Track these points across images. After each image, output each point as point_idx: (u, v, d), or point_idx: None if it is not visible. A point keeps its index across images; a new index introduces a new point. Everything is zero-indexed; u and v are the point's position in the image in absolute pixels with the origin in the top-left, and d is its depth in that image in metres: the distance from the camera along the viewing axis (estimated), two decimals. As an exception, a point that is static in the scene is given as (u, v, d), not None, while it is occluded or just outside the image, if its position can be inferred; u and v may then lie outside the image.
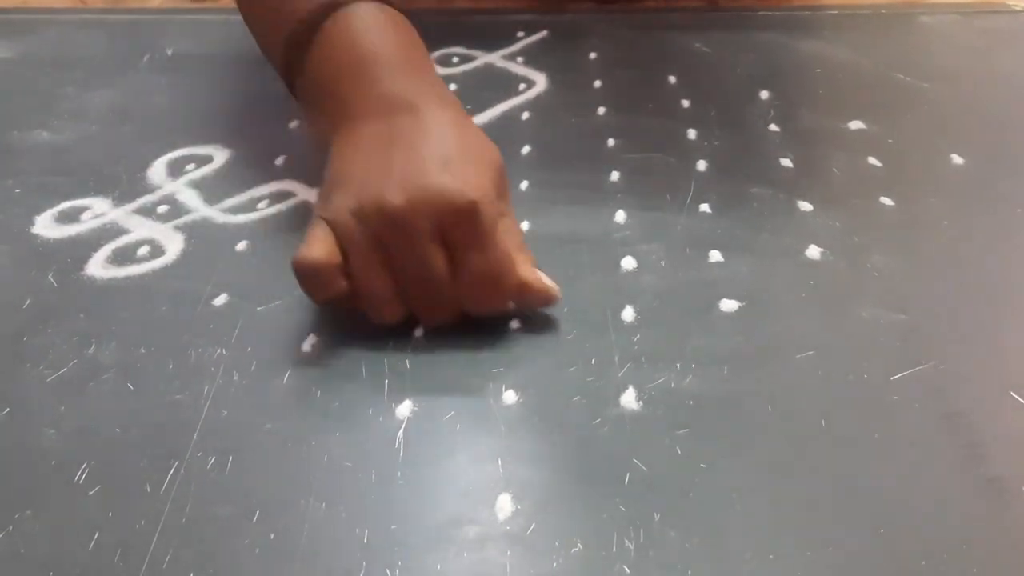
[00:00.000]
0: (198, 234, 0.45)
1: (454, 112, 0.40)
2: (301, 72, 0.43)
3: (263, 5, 0.47)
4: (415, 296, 0.37)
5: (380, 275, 0.36)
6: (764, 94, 0.56)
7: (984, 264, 0.42)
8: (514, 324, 0.39)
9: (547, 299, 0.38)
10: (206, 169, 0.50)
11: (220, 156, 0.51)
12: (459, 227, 0.35)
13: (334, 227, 0.36)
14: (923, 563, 0.29)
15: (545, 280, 0.38)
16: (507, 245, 0.36)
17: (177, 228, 0.45)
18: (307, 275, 0.36)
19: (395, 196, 0.35)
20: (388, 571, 0.29)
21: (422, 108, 0.38)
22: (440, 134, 0.37)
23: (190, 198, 0.48)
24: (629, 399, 0.35)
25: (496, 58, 0.61)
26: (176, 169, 0.50)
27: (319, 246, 0.35)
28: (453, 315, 0.38)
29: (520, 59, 0.61)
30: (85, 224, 0.46)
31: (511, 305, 0.38)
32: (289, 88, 0.45)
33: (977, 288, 0.41)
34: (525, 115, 0.55)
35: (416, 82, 0.40)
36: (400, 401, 0.35)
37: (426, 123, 0.38)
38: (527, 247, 0.39)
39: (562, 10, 0.68)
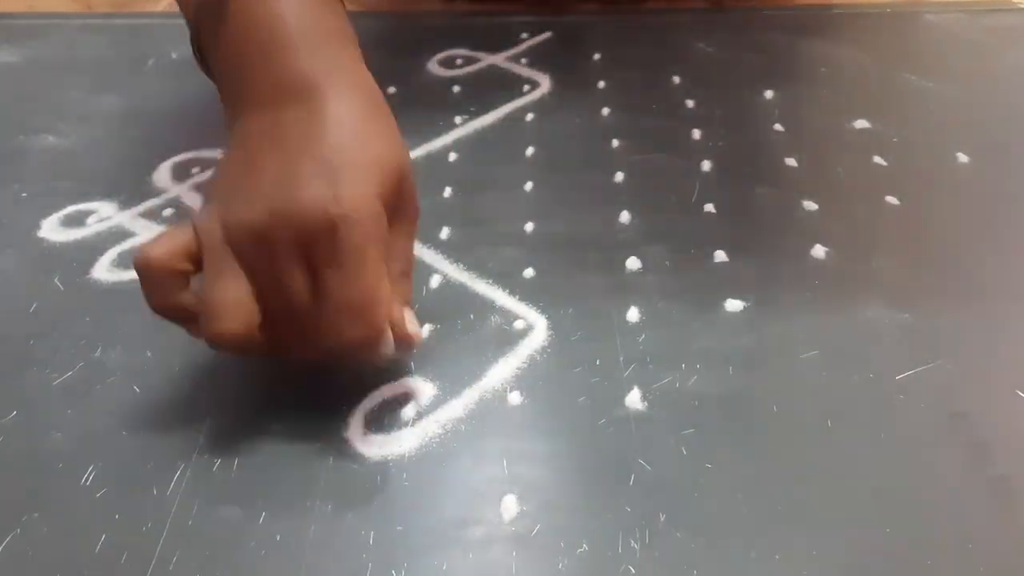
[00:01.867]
0: (203, 237, 0.45)
1: (360, 99, 0.35)
2: (210, 49, 0.38)
3: None
4: (276, 325, 0.32)
5: (231, 284, 0.31)
6: (769, 94, 0.56)
7: (990, 263, 0.42)
8: (519, 324, 0.39)
9: (405, 344, 0.34)
10: (211, 172, 0.50)
11: (225, 159, 0.51)
12: (319, 247, 0.31)
13: (197, 233, 0.32)
14: (929, 562, 0.29)
15: (408, 323, 0.34)
16: (376, 273, 0.31)
17: (183, 231, 0.46)
18: (144, 275, 0.32)
19: (258, 209, 0.31)
20: (394, 572, 0.29)
21: (321, 94, 0.34)
22: (330, 132, 0.33)
23: (195, 201, 0.48)
24: (634, 400, 0.35)
25: (500, 60, 0.61)
26: (181, 173, 0.50)
27: (165, 244, 0.32)
28: (316, 350, 0.33)
29: (524, 60, 0.61)
30: (91, 228, 0.46)
31: (384, 350, 0.33)
32: (201, 65, 0.40)
33: (983, 287, 0.41)
34: (529, 116, 0.55)
35: (323, 59, 0.35)
36: (405, 403, 0.35)
37: (319, 116, 0.33)
38: (408, 279, 0.35)
39: (566, 11, 0.68)
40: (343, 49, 0.36)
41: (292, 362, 0.35)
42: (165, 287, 0.32)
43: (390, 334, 0.32)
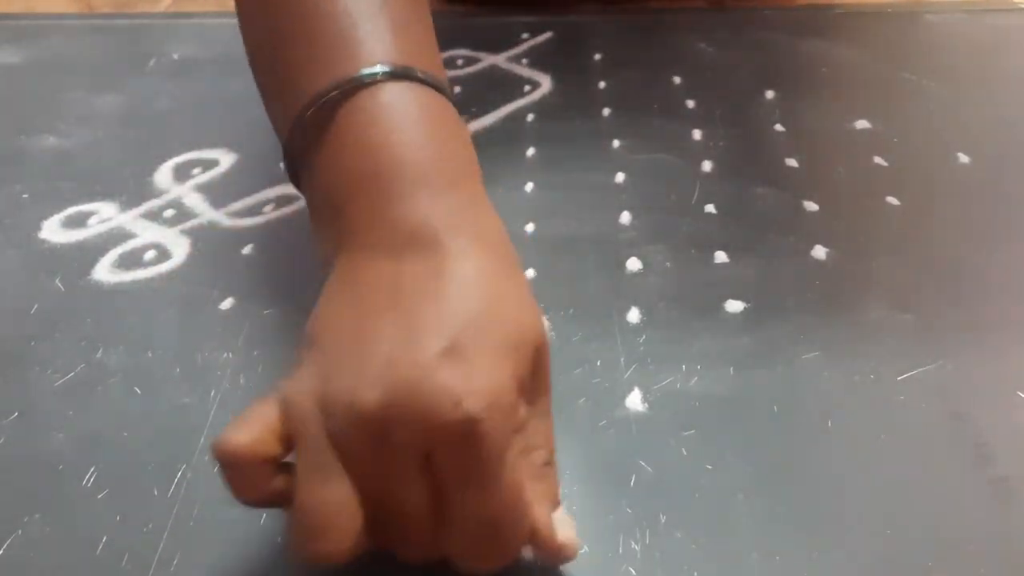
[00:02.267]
0: (204, 238, 0.45)
1: (489, 254, 0.28)
2: (306, 170, 0.33)
3: (269, 72, 0.36)
4: (383, 528, 0.26)
5: (334, 489, 0.25)
6: (769, 94, 0.56)
7: (991, 264, 0.42)
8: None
9: (558, 558, 0.28)
10: (212, 173, 0.50)
11: (226, 160, 0.51)
12: (451, 454, 0.25)
13: (287, 411, 0.26)
14: (930, 564, 0.29)
15: (561, 534, 0.27)
16: (516, 483, 0.26)
17: (183, 232, 0.46)
18: (227, 465, 0.26)
19: (372, 392, 0.25)
20: (396, 572, 0.29)
21: (446, 248, 0.28)
22: (459, 295, 0.27)
23: (196, 202, 0.48)
24: (635, 400, 0.35)
25: (501, 60, 0.61)
26: (182, 173, 0.50)
27: (251, 428, 0.26)
28: (432, 558, 0.27)
29: (525, 61, 0.61)
30: (92, 229, 0.46)
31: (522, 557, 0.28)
32: (293, 182, 0.35)
33: (984, 288, 0.41)
34: (530, 117, 0.55)
35: (448, 204, 0.29)
36: (406, 404, 0.35)
37: (445, 276, 0.27)
38: (552, 470, 0.28)
39: (566, 12, 0.68)
40: (469, 190, 0.31)
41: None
42: (253, 479, 0.26)
43: (572, 541, 0.28)
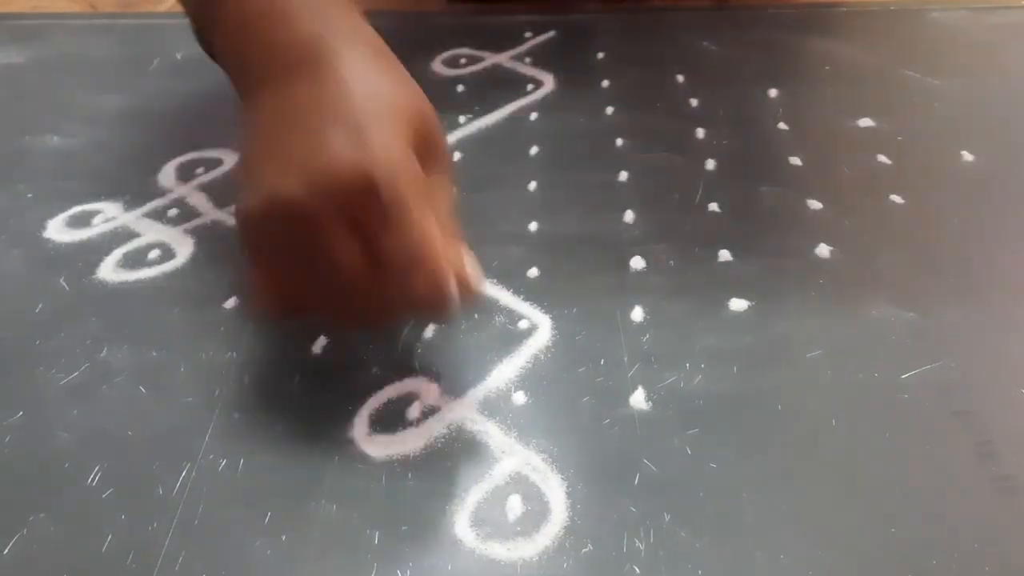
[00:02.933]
0: (208, 237, 0.45)
1: (367, 53, 0.34)
2: (213, 30, 0.38)
3: None
4: (333, 299, 0.32)
5: (278, 262, 0.32)
6: (773, 92, 0.56)
7: (995, 262, 0.42)
8: (523, 324, 0.39)
9: (468, 291, 0.32)
10: (216, 172, 0.50)
11: (230, 159, 0.51)
12: (367, 211, 0.30)
13: (241, 230, 0.33)
14: (934, 562, 0.29)
15: (469, 269, 0.32)
16: (427, 220, 0.31)
17: (187, 232, 0.46)
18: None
19: (292, 186, 0.30)
20: (399, 572, 0.29)
21: (328, 57, 0.33)
22: (346, 92, 0.32)
23: (200, 202, 0.48)
24: (639, 399, 0.35)
25: (504, 59, 0.61)
26: (186, 173, 0.50)
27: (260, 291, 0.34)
28: (382, 316, 0.33)
29: (528, 59, 0.61)
30: (96, 228, 0.46)
31: (452, 300, 0.31)
32: (204, 48, 0.40)
33: (988, 286, 0.41)
34: (533, 116, 0.55)
35: (324, 21, 0.34)
36: (410, 403, 0.35)
37: (332, 78, 0.32)
38: (454, 220, 0.33)
39: (570, 10, 0.68)
40: (341, 7, 0.36)
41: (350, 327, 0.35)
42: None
43: (454, 283, 0.31)
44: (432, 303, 0.31)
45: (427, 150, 0.33)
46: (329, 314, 0.33)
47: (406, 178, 0.30)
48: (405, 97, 0.33)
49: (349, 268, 0.31)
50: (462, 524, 0.31)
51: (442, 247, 0.31)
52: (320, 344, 0.38)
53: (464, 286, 0.31)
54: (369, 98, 0.32)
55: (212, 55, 0.39)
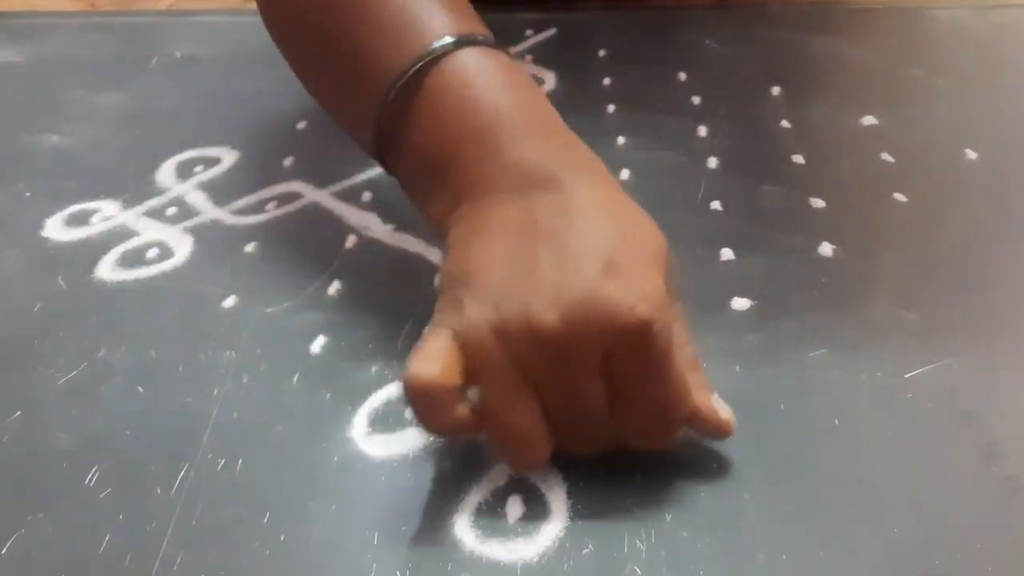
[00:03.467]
0: (207, 236, 0.45)
1: (606, 189, 0.32)
2: (398, 144, 0.35)
3: (336, 65, 0.38)
4: (560, 430, 0.30)
5: (524, 407, 0.29)
6: (775, 90, 0.56)
7: (999, 260, 0.42)
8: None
9: (719, 433, 0.32)
10: (215, 171, 0.50)
11: (228, 158, 0.51)
12: (629, 355, 0.28)
13: (465, 343, 0.29)
14: (937, 562, 0.29)
15: (721, 411, 0.31)
16: (682, 369, 0.30)
17: (186, 230, 0.46)
18: (421, 397, 0.28)
19: (548, 312, 0.28)
20: (398, 572, 0.29)
21: (567, 184, 0.31)
22: (595, 223, 0.30)
23: (199, 200, 0.48)
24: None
25: (505, 57, 0.61)
26: (185, 171, 0.50)
27: (436, 362, 0.28)
28: (603, 447, 0.32)
29: (529, 57, 0.61)
30: (95, 227, 0.46)
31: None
32: (381, 164, 0.38)
33: (992, 284, 0.41)
34: (534, 114, 0.54)
35: (554, 148, 0.33)
36: (410, 402, 0.35)
37: (575, 206, 0.30)
38: (699, 361, 0.32)
39: (571, 8, 0.68)
40: (564, 133, 0.34)
41: None
42: (443, 408, 0.29)
43: (729, 417, 0.31)
44: (662, 447, 0.31)
45: (670, 291, 0.31)
46: (555, 441, 0.31)
47: (667, 326, 0.29)
48: (654, 235, 0.31)
49: (593, 403, 0.29)
50: (462, 524, 0.31)
51: (690, 398, 0.30)
52: (319, 344, 0.38)
53: (716, 428, 0.31)
54: (619, 232, 0.30)
55: (379, 159, 0.37)
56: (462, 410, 0.29)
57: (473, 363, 0.29)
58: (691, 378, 0.31)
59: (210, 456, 0.33)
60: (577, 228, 0.30)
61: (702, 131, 0.52)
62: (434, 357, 0.29)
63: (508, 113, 0.33)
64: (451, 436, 0.32)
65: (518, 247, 0.30)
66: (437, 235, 0.34)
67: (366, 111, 0.35)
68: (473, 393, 0.29)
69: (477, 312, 0.29)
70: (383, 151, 0.36)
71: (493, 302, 0.29)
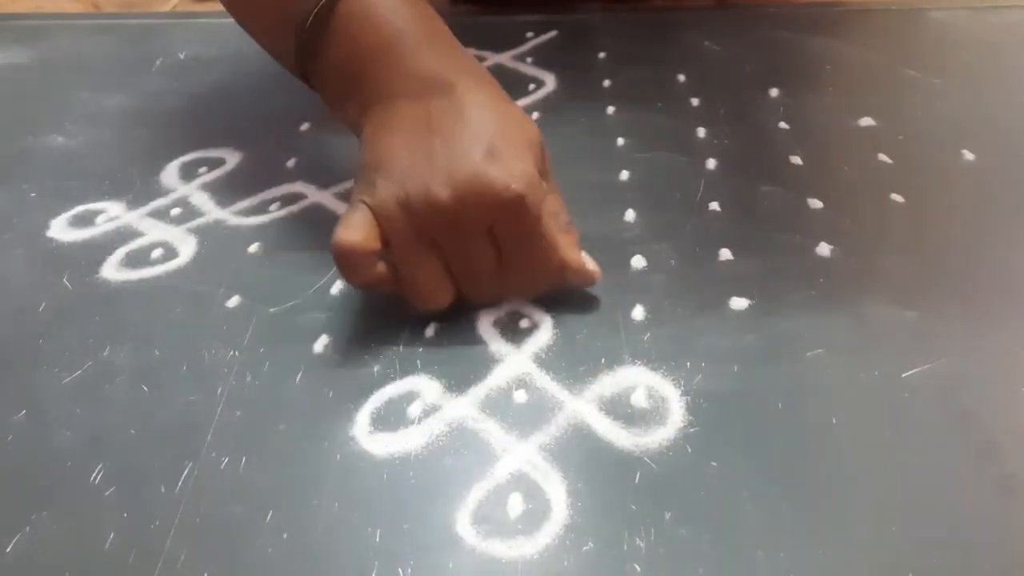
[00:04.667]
0: (211, 236, 0.45)
1: (490, 90, 0.39)
2: (317, 59, 0.41)
3: (257, 3, 0.46)
4: (461, 283, 0.38)
5: (427, 264, 0.36)
6: (774, 92, 0.56)
7: (996, 260, 0.42)
8: (524, 323, 0.39)
9: (587, 280, 0.39)
10: (218, 172, 0.50)
11: (232, 159, 0.52)
12: (507, 222, 0.36)
13: (377, 213, 0.36)
14: (935, 561, 0.29)
15: (588, 264, 0.39)
16: (552, 232, 0.37)
17: (190, 231, 0.46)
18: (344, 258, 0.35)
19: (442, 189, 0.35)
20: (400, 570, 0.29)
21: (458, 87, 0.38)
22: (480, 117, 0.37)
23: (203, 201, 0.48)
24: (640, 398, 0.35)
25: (506, 59, 0.62)
26: (189, 172, 0.51)
27: (358, 230, 0.35)
28: (496, 298, 0.39)
29: (529, 59, 0.61)
30: (99, 227, 0.46)
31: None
32: (303, 78, 0.43)
33: (989, 284, 0.41)
34: (535, 115, 0.55)
35: (447, 58, 0.39)
36: (412, 401, 0.36)
37: (464, 104, 0.37)
38: (571, 222, 0.39)
39: (571, 10, 0.68)
40: (459, 49, 0.41)
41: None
42: (365, 267, 0.36)
43: (595, 268, 0.39)
44: (537, 293, 0.39)
45: (543, 171, 0.38)
46: (458, 291, 0.38)
47: (538, 198, 0.36)
48: (529, 128, 0.38)
49: (485, 263, 0.37)
50: (463, 522, 0.31)
51: (565, 246, 0.38)
52: (322, 343, 0.38)
53: (585, 276, 0.39)
54: (499, 124, 0.37)
55: (300, 72, 0.43)
56: (380, 267, 0.36)
57: (385, 231, 0.36)
58: (563, 240, 0.38)
59: (213, 454, 0.34)
60: (465, 122, 0.37)
61: (701, 132, 0.52)
62: (355, 226, 0.35)
63: (408, 30, 0.39)
64: (371, 289, 0.38)
65: (419, 139, 0.36)
66: (353, 132, 0.40)
67: (289, 38, 0.41)
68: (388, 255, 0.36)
69: (387, 190, 0.36)
70: (306, 70, 0.42)
71: (399, 182, 0.36)
